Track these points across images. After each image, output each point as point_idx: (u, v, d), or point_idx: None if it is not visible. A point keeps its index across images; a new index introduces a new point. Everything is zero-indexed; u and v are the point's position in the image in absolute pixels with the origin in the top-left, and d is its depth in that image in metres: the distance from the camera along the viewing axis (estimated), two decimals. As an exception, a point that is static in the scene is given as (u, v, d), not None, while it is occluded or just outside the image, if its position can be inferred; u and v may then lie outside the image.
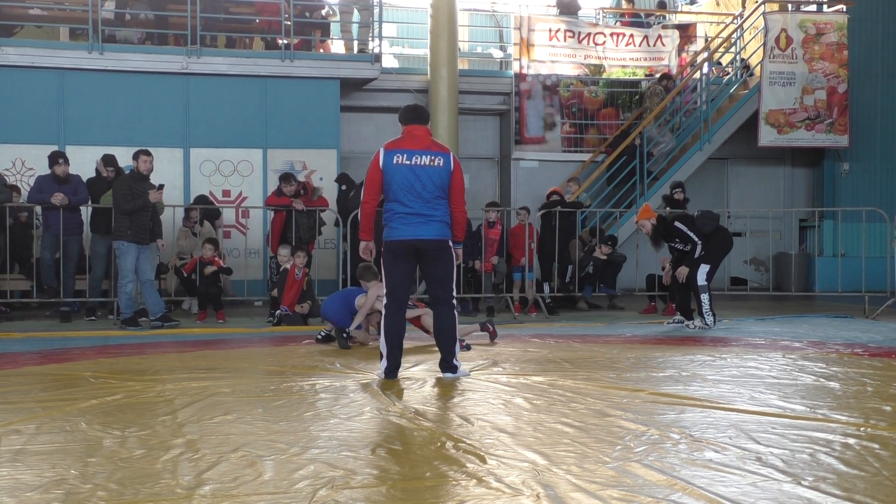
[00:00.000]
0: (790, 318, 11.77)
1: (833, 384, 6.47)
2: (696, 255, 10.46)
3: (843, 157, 16.69)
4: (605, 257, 13.10)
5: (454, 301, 6.82)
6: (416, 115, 6.76)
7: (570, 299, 13.30)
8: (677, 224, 10.61)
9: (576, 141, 16.43)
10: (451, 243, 6.72)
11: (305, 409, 5.58)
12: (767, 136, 15.74)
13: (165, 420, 5.20)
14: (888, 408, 5.55)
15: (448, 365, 6.80)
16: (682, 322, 10.73)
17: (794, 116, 15.75)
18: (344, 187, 12.82)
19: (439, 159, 6.59)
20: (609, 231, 14.40)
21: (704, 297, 10.46)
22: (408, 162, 6.54)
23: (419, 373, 7.05)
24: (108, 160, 11.69)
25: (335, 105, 14.52)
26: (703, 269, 10.46)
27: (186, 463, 4.21)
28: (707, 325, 10.42)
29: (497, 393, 6.18)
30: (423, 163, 6.55)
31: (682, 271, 10.57)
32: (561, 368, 7.23)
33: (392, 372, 6.68)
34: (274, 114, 14.27)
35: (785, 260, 16.42)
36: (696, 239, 10.45)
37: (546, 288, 12.94)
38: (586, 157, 16.24)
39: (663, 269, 11.41)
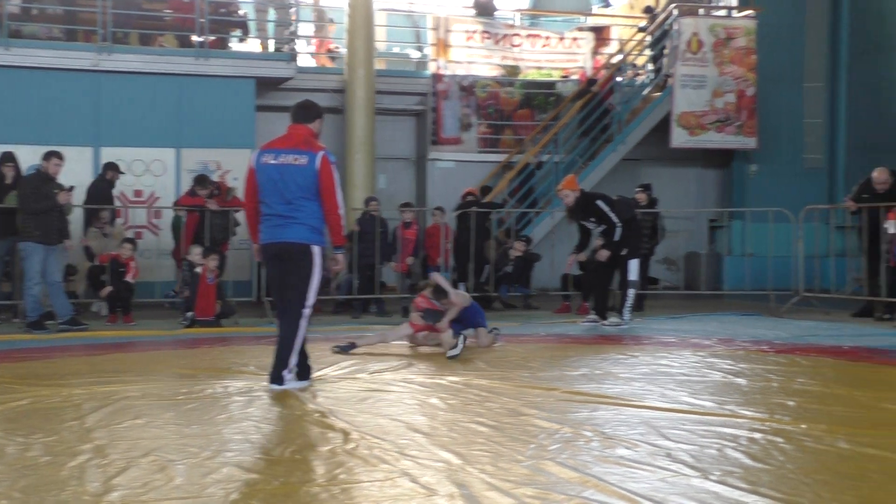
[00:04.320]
0: (700, 316, 12.02)
1: (740, 380, 6.63)
2: (616, 238, 10.36)
3: (752, 159, 17.09)
4: (520, 254, 13.17)
5: (307, 310, 6.35)
6: (299, 115, 6.50)
7: (486, 299, 13.34)
8: (599, 203, 10.46)
9: (492, 142, 16.52)
10: (312, 247, 6.32)
11: (218, 413, 5.51)
12: (679, 138, 16.04)
13: (73, 425, 5.07)
14: (792, 403, 5.72)
15: (277, 376, 6.31)
16: (596, 321, 10.81)
17: (704, 118, 16.08)
18: None
19: (303, 158, 6.27)
20: (524, 231, 14.51)
21: (631, 293, 10.55)
22: (273, 161, 6.31)
23: (332, 375, 7.02)
24: (7, 156, 11.25)
25: (250, 104, 14.34)
26: (634, 264, 10.55)
27: (94, 469, 4.12)
28: (624, 321, 10.52)
29: (412, 393, 6.19)
30: (286, 162, 6.28)
31: (603, 253, 10.51)
32: (476, 368, 7.27)
33: (303, 374, 6.51)
34: (188, 113, 14.00)
35: (695, 259, 16.76)
36: (616, 221, 10.34)
37: (462, 288, 12.95)
38: (502, 157, 16.33)
39: (570, 265, 11.42)
